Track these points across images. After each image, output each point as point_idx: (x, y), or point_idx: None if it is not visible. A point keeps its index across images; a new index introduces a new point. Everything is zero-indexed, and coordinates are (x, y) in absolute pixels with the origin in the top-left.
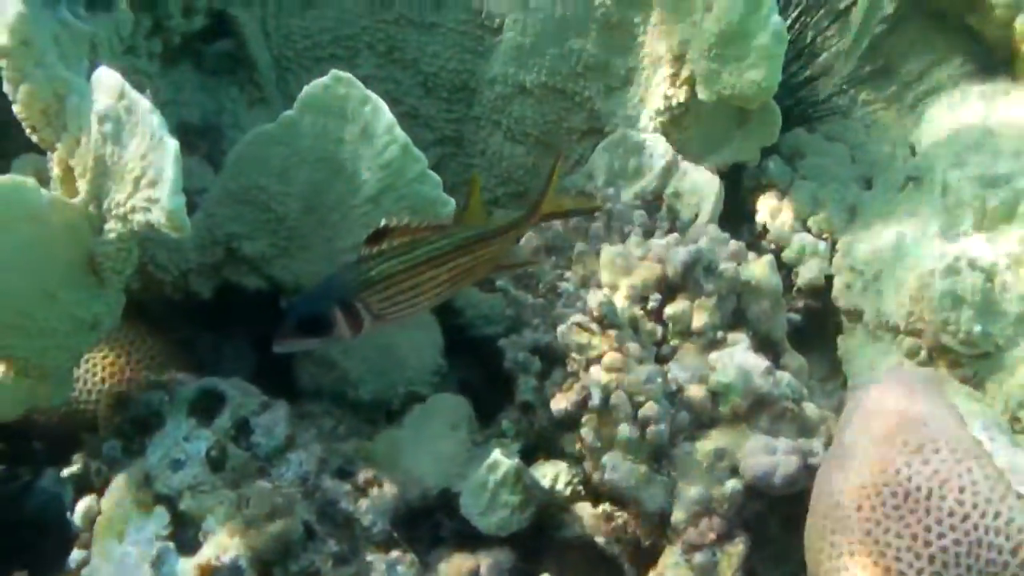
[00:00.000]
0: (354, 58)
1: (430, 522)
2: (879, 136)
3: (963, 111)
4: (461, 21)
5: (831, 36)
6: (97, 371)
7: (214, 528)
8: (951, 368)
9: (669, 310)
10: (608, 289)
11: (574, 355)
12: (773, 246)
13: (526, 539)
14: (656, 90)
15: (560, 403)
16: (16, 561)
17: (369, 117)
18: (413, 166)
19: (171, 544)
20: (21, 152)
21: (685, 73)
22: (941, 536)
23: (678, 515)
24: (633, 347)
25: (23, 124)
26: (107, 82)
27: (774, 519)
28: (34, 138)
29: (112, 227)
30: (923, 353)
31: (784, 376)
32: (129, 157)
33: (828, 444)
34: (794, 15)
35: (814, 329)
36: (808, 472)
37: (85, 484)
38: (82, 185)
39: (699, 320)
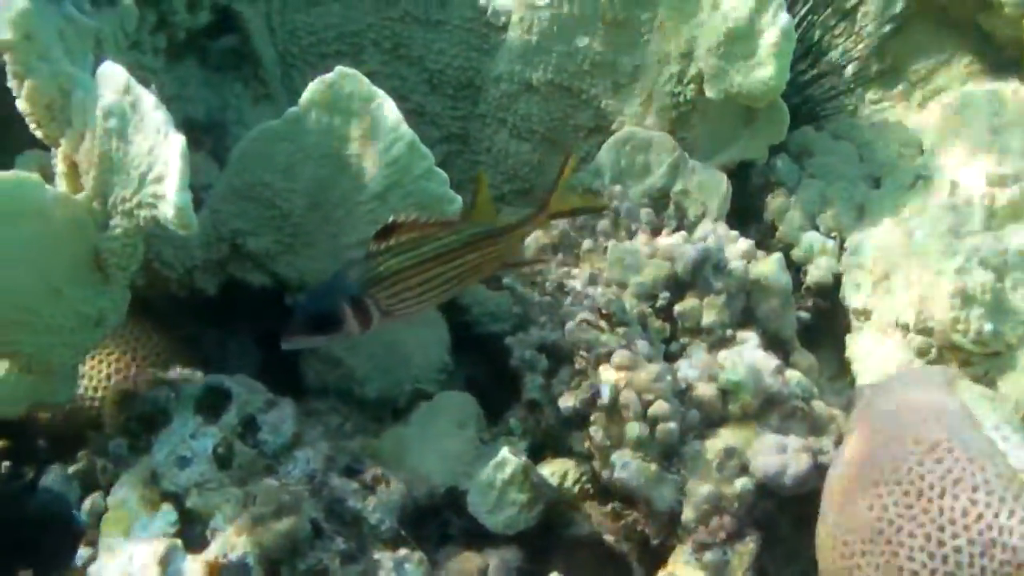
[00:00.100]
0: (359, 55)
1: (438, 520)
2: (887, 135)
3: (972, 109)
4: (467, 18)
5: (839, 34)
6: (102, 368)
7: (221, 526)
8: (961, 367)
9: (678, 308)
10: (616, 287)
11: (582, 353)
12: (781, 245)
13: (534, 537)
14: (663, 88)
15: (568, 401)
16: (21, 559)
17: (375, 113)
18: (420, 163)
19: (178, 542)
20: (25, 148)
21: (692, 71)
22: (955, 536)
23: (688, 514)
24: (642, 345)
25: (27, 119)
26: (112, 77)
27: (784, 518)
28: (38, 134)
29: (118, 223)
30: (933, 352)
31: (794, 375)
32: (135, 152)
33: (838, 443)
34: (802, 12)
35: (823, 328)
36: (818, 471)
37: (91, 481)
38: (87, 181)
39: (708, 318)
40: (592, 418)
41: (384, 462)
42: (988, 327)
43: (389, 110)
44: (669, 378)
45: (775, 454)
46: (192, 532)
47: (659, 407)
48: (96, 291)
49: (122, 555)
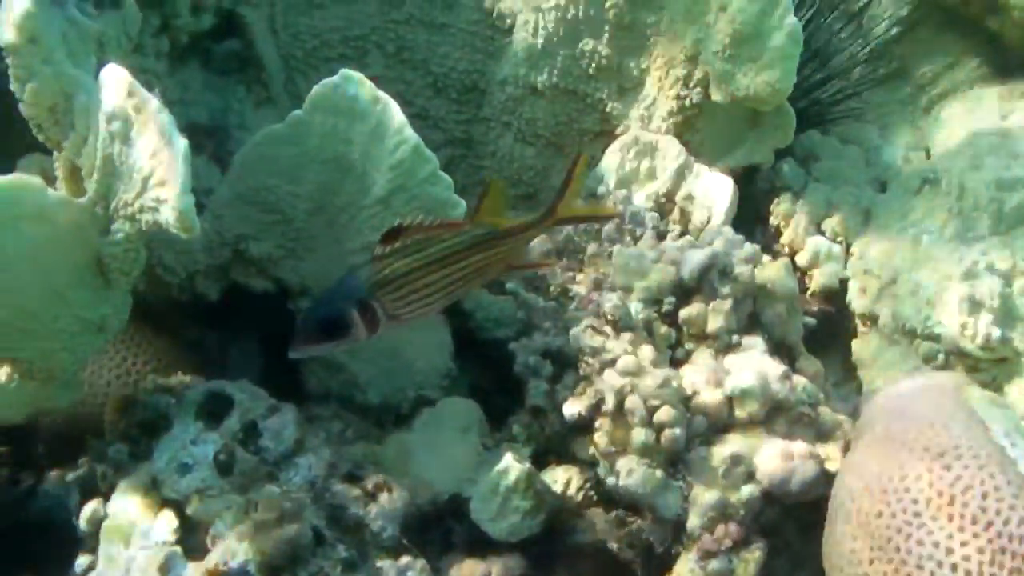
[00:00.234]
0: (363, 58)
1: (440, 527)
2: (894, 139)
3: (979, 114)
4: (472, 21)
5: (845, 37)
6: (103, 373)
7: (222, 533)
8: (969, 373)
9: (684, 313)
10: (622, 292)
11: (587, 359)
12: (787, 249)
13: (537, 545)
14: (669, 91)
15: (573, 407)
16: (20, 565)
17: (380, 117)
18: (424, 167)
19: (178, 549)
20: (25, 152)
21: (698, 74)
22: (964, 544)
23: (693, 521)
24: (648, 350)
25: (29, 123)
26: (115, 80)
27: (791, 525)
28: (40, 137)
29: (120, 227)
30: (940, 358)
31: (800, 381)
32: (138, 156)
33: (845, 449)
34: (808, 15)
35: (828, 333)
36: (825, 478)
37: (91, 488)
38: (89, 185)
39: (714, 324)
40: (597, 424)
41: (386, 469)
42: (996, 333)
43: (393, 113)
44: (675, 384)
45: (782, 461)
46: (193, 539)
47: (665, 413)
48: (98, 296)
49: (122, 563)
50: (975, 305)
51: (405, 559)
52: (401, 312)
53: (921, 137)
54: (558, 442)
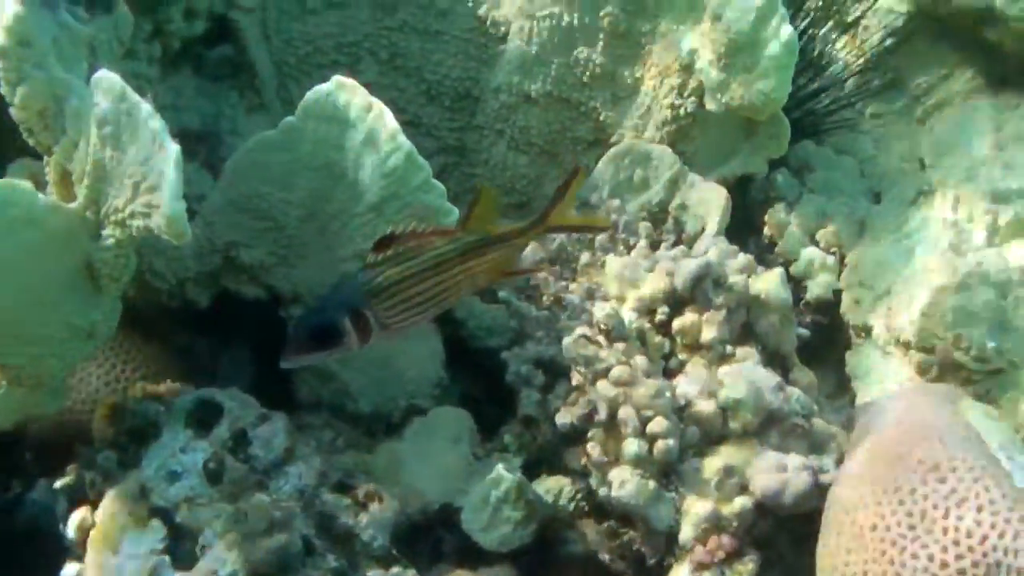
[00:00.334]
0: (356, 65)
1: (431, 537)
2: (888, 150)
3: (974, 125)
4: (466, 29)
5: (840, 47)
6: (92, 380)
7: (211, 542)
8: (963, 385)
9: (677, 323)
10: (615, 301)
11: (580, 368)
12: (781, 260)
13: (529, 555)
14: (663, 100)
15: (565, 417)
16: (8, 573)
17: (373, 124)
18: (417, 174)
19: (167, 558)
20: (16, 156)
21: (693, 83)
22: (959, 557)
23: (686, 532)
24: (641, 361)
25: (20, 127)
26: (107, 85)
27: (784, 537)
28: (31, 141)
29: (110, 233)
30: (935, 369)
31: (794, 392)
32: (129, 161)
33: (839, 461)
34: (802, 25)
35: (822, 344)
36: (819, 490)
37: (79, 496)
38: (80, 190)
39: (708, 334)
40: (589, 434)
41: (377, 478)
42: (991, 345)
43: (386, 120)
44: (668, 394)
45: (775, 472)
46: (181, 548)
47: (658, 424)
48: (88, 302)
49: (110, 571)
50: (970, 317)
51: (395, 569)
52: (394, 320)
53: (916, 148)
54: (550, 452)
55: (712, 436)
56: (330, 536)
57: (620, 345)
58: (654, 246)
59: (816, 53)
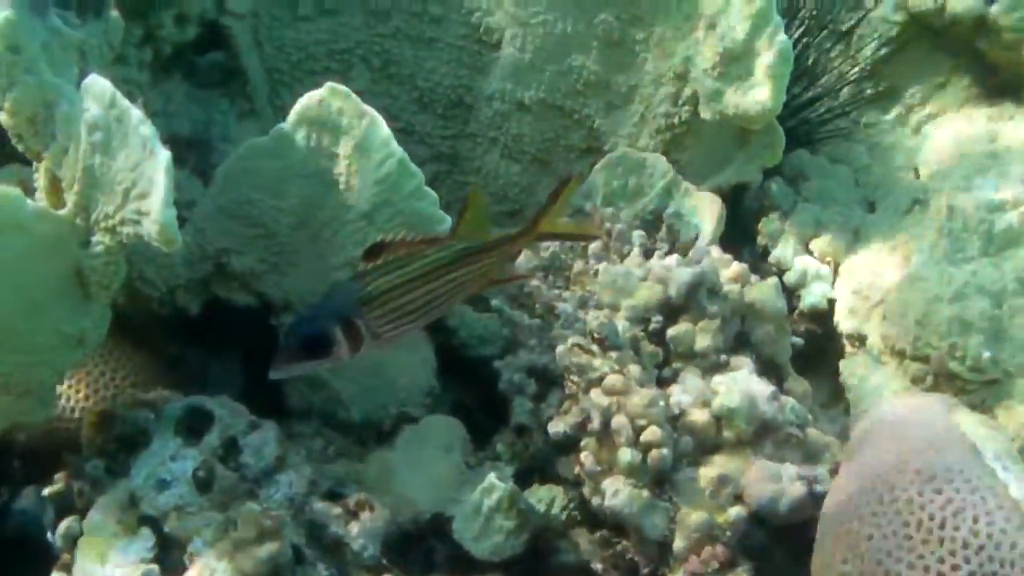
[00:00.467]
0: (349, 72)
1: (422, 547)
2: (883, 159)
3: (968, 134)
4: (459, 36)
5: (834, 57)
6: (81, 388)
7: (201, 551)
8: (958, 395)
9: (671, 332)
10: (608, 310)
11: (573, 377)
12: (775, 269)
13: (521, 565)
14: (657, 109)
15: (558, 426)
16: None
17: (365, 131)
18: (410, 181)
19: (156, 567)
20: (5, 162)
21: (687, 92)
22: (955, 568)
23: (680, 542)
24: (634, 369)
25: (9, 133)
26: (98, 90)
27: (779, 547)
28: (20, 147)
29: (100, 240)
30: (929, 379)
31: (789, 401)
32: (119, 168)
33: (834, 471)
34: (797, 34)
35: (816, 354)
36: (813, 500)
37: (67, 504)
38: (69, 196)
39: (702, 343)
40: (583, 443)
41: (368, 487)
42: (986, 354)
43: (379, 127)
44: (662, 403)
45: (770, 482)
46: (170, 557)
47: (651, 433)
48: (77, 309)
49: None
50: (965, 326)
51: None
52: (385, 329)
53: (910, 157)
54: (542, 461)
55: (706, 445)
56: (321, 545)
57: (614, 354)
58: (648, 254)
59: (811, 62)
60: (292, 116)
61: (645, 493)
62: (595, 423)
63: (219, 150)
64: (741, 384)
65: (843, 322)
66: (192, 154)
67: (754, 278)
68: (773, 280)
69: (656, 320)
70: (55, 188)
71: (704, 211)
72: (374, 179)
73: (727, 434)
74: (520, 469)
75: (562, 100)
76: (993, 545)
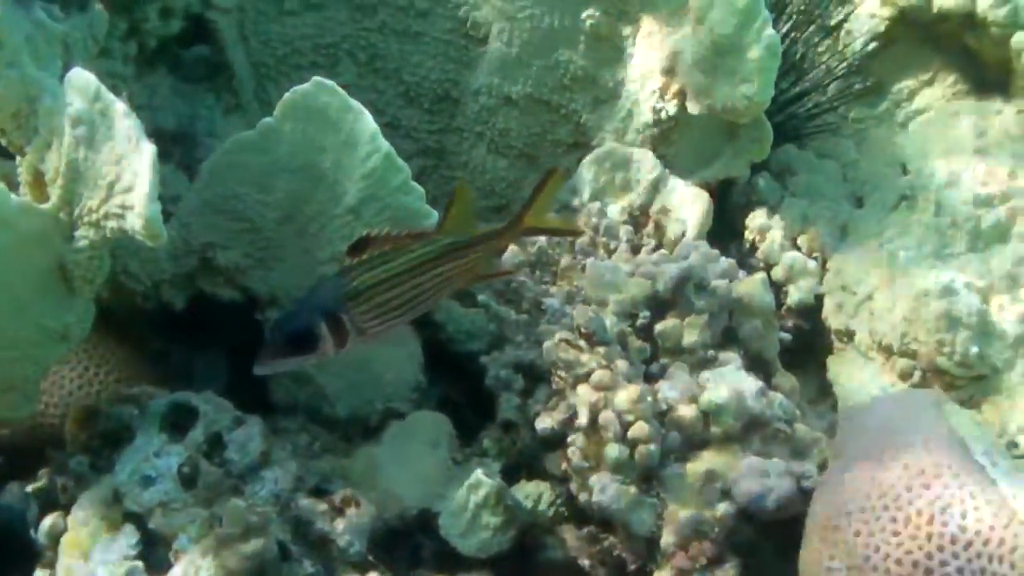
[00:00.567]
0: (335, 66)
1: (409, 543)
2: (871, 154)
3: (956, 130)
4: (446, 31)
5: (822, 52)
6: (65, 383)
7: (186, 547)
8: (946, 390)
9: (659, 327)
10: (595, 305)
11: (560, 373)
12: (762, 264)
13: (508, 562)
14: (645, 103)
15: (545, 422)
16: None
17: (352, 125)
18: (396, 175)
19: (140, 564)
20: None
21: (675, 86)
22: (944, 564)
23: (667, 538)
24: (622, 365)
25: None
26: (81, 84)
27: (767, 544)
28: (3, 141)
29: (84, 234)
30: (917, 375)
31: (776, 397)
32: (103, 161)
33: (822, 467)
34: (784, 29)
35: (803, 349)
36: (802, 495)
37: (50, 501)
38: (53, 191)
39: (690, 338)
40: (570, 439)
41: (354, 483)
42: (974, 350)
43: (365, 122)
44: (650, 399)
45: (758, 478)
46: (155, 554)
47: (639, 429)
48: (61, 304)
49: None
50: (952, 322)
51: (373, 575)
52: (371, 324)
53: (898, 153)
54: (529, 457)
55: (694, 441)
56: (306, 542)
57: (601, 349)
58: (635, 250)
59: (798, 57)
60: (278, 110)
61: (633, 489)
62: (582, 419)
63: (204, 144)
64: (729, 380)
65: (831, 318)
66: (177, 148)
67: (741, 273)
68: (761, 275)
69: (644, 315)
70: (38, 182)
71: (691, 206)
72: (360, 174)
73: (715, 430)
74: (507, 465)
75: (549, 95)
76: (981, 541)
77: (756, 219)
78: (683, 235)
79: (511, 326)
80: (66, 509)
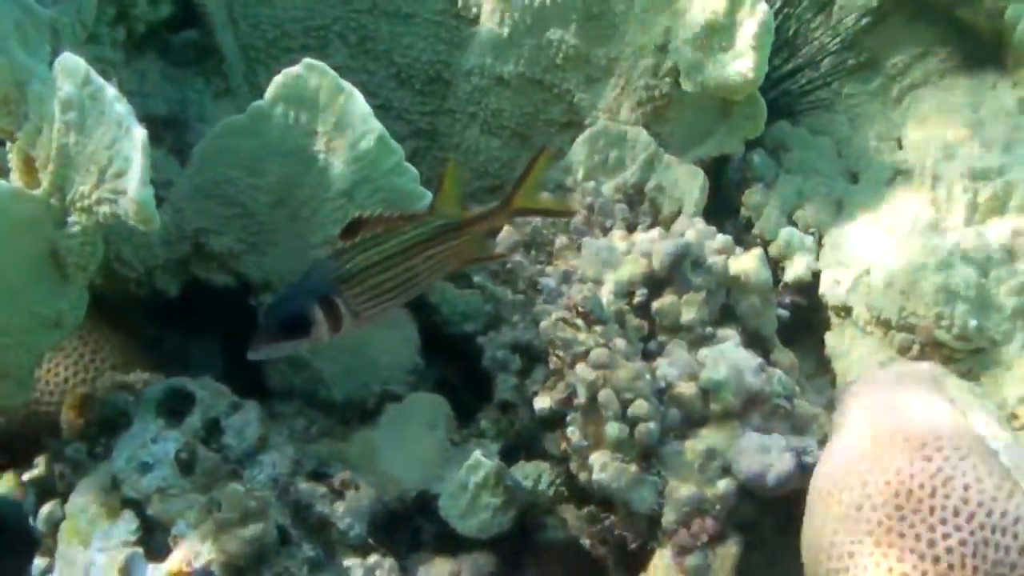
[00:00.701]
0: (325, 48)
1: (409, 525)
2: (865, 129)
3: (950, 104)
4: (437, 11)
5: (815, 27)
6: (59, 371)
7: (185, 533)
8: (944, 364)
9: (656, 305)
10: (592, 284)
11: (558, 352)
12: (758, 240)
13: (508, 542)
14: (638, 81)
15: (544, 401)
16: None
17: (343, 107)
18: (389, 157)
19: (139, 550)
20: None
21: (668, 64)
22: (946, 536)
23: (669, 516)
24: (620, 343)
25: None
26: (71, 68)
27: (768, 520)
28: None
29: (76, 220)
30: (915, 349)
31: (776, 373)
32: (94, 146)
33: (822, 442)
34: (777, 5)
35: (801, 325)
36: (802, 471)
37: (48, 488)
38: (44, 176)
39: (688, 315)
40: (569, 418)
41: (353, 466)
42: (972, 323)
43: (357, 104)
44: (648, 377)
45: (758, 454)
46: (154, 540)
47: (639, 407)
48: (54, 291)
49: (81, 565)
50: (951, 295)
51: (373, 558)
52: (365, 307)
53: (892, 127)
54: (528, 437)
55: (693, 418)
56: (306, 525)
57: (599, 327)
58: (631, 228)
59: (792, 33)
60: (269, 94)
61: (633, 467)
62: (581, 398)
63: (195, 129)
64: (728, 356)
65: (828, 293)
66: (168, 133)
67: (738, 250)
68: (758, 251)
69: (641, 293)
70: (29, 168)
71: (686, 184)
72: (353, 156)
73: (714, 407)
74: (506, 446)
75: (541, 74)
76: (984, 512)
77: (752, 196)
78: (679, 213)
79: (507, 306)
80: (64, 497)
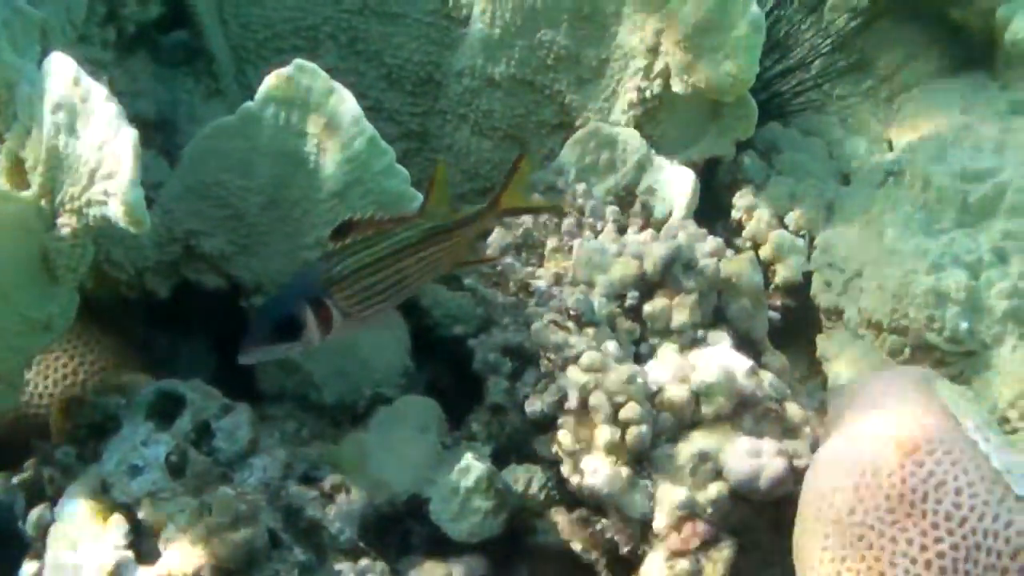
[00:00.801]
0: (316, 49)
1: (400, 529)
2: (856, 131)
3: (941, 105)
4: (428, 12)
5: (806, 29)
6: (49, 374)
7: (175, 537)
8: (936, 367)
9: (648, 308)
10: (583, 287)
11: (549, 355)
12: (749, 243)
13: (499, 546)
14: (629, 83)
15: (535, 404)
16: None
17: (334, 108)
18: (380, 159)
19: (130, 554)
20: None
21: (659, 65)
22: (938, 540)
23: (660, 520)
24: (611, 346)
25: None
26: (61, 69)
27: (760, 523)
28: None
29: (66, 222)
30: (907, 352)
31: (767, 376)
32: (84, 148)
33: (814, 446)
34: (769, 6)
35: (792, 328)
36: (794, 474)
37: (37, 492)
38: (34, 178)
39: (679, 318)
40: (560, 422)
41: (343, 469)
42: (963, 325)
43: (348, 105)
44: (640, 380)
45: (750, 457)
46: (144, 544)
47: (630, 410)
48: (44, 294)
49: (70, 569)
50: (941, 298)
51: (364, 561)
52: (355, 310)
53: (883, 129)
54: (519, 440)
55: (685, 421)
56: (297, 529)
57: (590, 330)
58: (622, 230)
59: (782, 34)
60: (259, 94)
61: (625, 471)
62: (572, 401)
63: (185, 131)
64: (719, 359)
65: (819, 296)
66: (158, 135)
67: (729, 253)
68: (749, 254)
69: (632, 296)
70: (18, 170)
71: (677, 185)
72: (344, 157)
73: (706, 410)
74: (497, 449)
75: (532, 75)
76: (976, 517)
77: (743, 198)
78: (670, 215)
79: (498, 309)
80: (53, 500)
